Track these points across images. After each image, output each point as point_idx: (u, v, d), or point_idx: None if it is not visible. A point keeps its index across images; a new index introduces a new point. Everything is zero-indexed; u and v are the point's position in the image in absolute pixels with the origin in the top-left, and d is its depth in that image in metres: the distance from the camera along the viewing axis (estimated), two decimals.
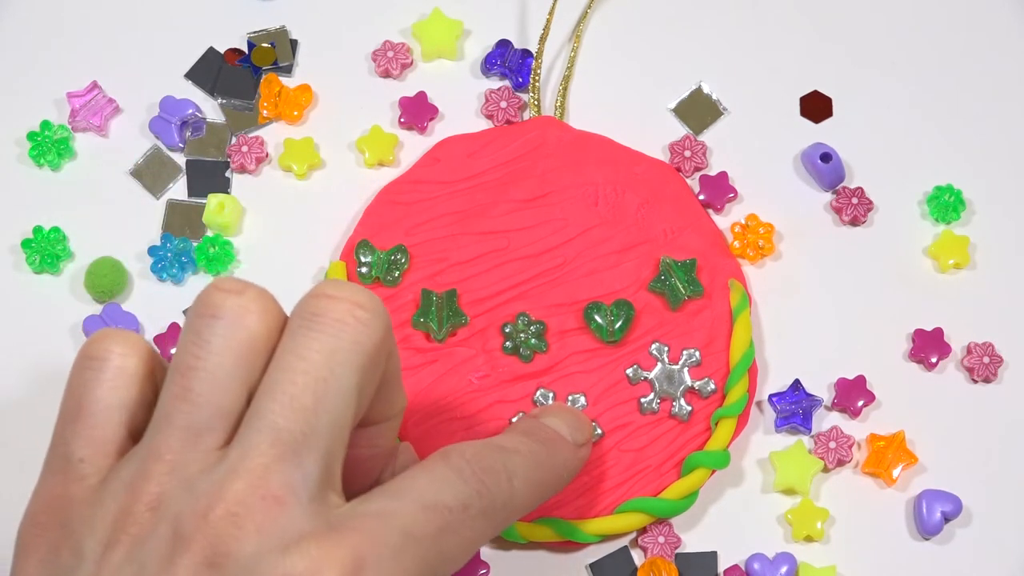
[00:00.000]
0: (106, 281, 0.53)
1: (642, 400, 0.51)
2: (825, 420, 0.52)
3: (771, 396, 0.52)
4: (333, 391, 0.37)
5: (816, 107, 0.57)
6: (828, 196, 0.55)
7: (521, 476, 0.42)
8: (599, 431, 0.51)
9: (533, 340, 0.51)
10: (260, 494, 0.35)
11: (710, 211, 0.55)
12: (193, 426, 0.37)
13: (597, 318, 0.51)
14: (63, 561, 0.37)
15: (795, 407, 0.52)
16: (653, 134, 0.56)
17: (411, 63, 0.57)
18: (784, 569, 0.50)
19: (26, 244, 0.53)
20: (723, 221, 0.55)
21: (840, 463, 0.51)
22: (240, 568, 0.35)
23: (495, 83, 0.57)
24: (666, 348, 0.51)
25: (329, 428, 0.37)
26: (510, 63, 0.56)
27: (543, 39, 0.56)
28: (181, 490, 0.36)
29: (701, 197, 0.55)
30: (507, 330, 0.51)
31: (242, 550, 0.35)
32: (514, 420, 0.50)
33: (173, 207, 0.55)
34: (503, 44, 0.57)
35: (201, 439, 0.37)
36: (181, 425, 0.37)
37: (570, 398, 0.51)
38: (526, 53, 0.57)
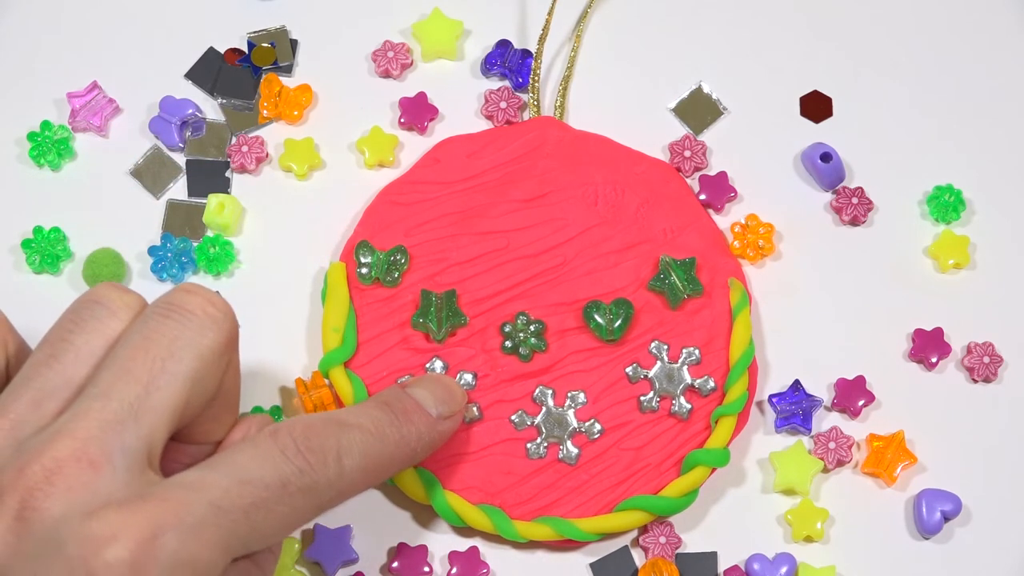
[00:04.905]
0: (106, 271, 0.53)
1: (642, 398, 0.51)
2: (825, 420, 0.52)
3: (771, 396, 0.52)
4: (169, 372, 0.39)
5: (816, 107, 0.57)
6: (828, 196, 0.55)
7: (357, 453, 0.42)
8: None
9: (532, 339, 0.51)
10: (77, 456, 0.37)
11: (710, 211, 0.55)
12: (43, 390, 0.39)
13: (596, 317, 0.51)
14: None
15: (795, 407, 0.52)
16: (653, 134, 0.56)
17: (411, 63, 0.57)
18: (784, 569, 0.50)
19: (26, 244, 0.53)
20: (723, 221, 0.55)
21: (840, 463, 0.51)
22: (45, 525, 0.36)
23: (495, 83, 0.57)
24: (666, 347, 0.51)
25: (158, 406, 0.38)
26: (510, 63, 0.56)
27: (543, 39, 0.56)
28: (11, 447, 0.38)
29: (701, 197, 0.55)
30: (506, 330, 0.51)
31: (50, 508, 0.37)
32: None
33: (173, 207, 0.55)
34: (503, 44, 0.57)
35: (45, 403, 0.39)
36: (34, 388, 0.39)
37: (569, 396, 0.51)
38: (526, 53, 0.57)
